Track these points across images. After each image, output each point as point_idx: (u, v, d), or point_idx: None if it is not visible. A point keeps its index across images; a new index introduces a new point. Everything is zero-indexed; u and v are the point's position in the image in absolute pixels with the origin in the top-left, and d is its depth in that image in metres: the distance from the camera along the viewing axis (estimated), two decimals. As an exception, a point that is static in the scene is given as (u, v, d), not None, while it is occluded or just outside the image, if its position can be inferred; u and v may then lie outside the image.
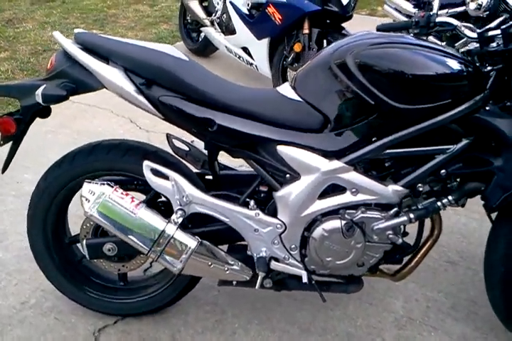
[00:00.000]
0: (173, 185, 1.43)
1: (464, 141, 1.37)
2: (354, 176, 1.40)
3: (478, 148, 1.39)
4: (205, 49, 4.38)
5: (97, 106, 3.39)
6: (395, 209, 1.44)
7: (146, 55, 1.39)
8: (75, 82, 1.39)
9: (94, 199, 1.40)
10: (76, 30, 1.47)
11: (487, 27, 1.41)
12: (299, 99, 1.41)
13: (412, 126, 1.34)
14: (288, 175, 1.43)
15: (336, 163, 1.39)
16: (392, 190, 1.40)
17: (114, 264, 1.61)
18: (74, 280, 1.69)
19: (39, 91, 1.34)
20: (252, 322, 1.76)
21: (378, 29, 1.59)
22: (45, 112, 1.52)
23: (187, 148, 1.72)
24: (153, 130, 3.12)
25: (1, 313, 1.76)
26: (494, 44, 1.38)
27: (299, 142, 1.40)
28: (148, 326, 1.73)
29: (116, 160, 1.49)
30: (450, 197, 1.42)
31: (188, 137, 1.68)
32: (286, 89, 1.46)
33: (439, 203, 1.43)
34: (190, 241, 1.44)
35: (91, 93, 1.44)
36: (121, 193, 1.43)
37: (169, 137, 1.72)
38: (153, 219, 1.43)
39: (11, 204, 2.35)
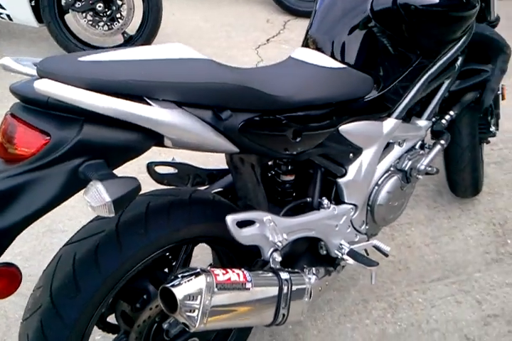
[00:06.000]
0: (265, 228, 1.03)
1: (460, 58, 1.40)
2: (402, 127, 1.30)
3: (471, 60, 1.45)
4: None
5: None
6: (420, 143, 1.43)
7: (193, 72, 0.87)
8: (110, 151, 0.76)
9: (202, 302, 0.88)
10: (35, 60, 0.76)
11: None
12: (340, 65, 1.13)
13: (438, 62, 1.27)
14: (351, 154, 1.21)
15: (392, 121, 1.26)
16: (424, 125, 1.39)
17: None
18: None
19: (104, 199, 0.69)
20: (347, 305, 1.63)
21: None
22: None
23: (173, 170, 1.23)
24: None
25: None
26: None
27: (356, 114, 1.17)
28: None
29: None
30: (452, 112, 1.50)
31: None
32: (312, 56, 1.14)
33: (444, 120, 1.50)
34: (303, 281, 1.12)
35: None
36: (223, 273, 0.95)
37: (150, 167, 1.17)
38: (267, 281, 1.03)
39: None
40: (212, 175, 1.30)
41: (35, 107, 0.75)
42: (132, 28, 2.83)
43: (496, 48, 1.50)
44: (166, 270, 1.17)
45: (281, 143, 1.02)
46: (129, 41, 2.84)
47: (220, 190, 1.28)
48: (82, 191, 0.75)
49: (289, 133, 1.01)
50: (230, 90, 0.88)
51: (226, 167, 1.31)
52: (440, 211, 2.11)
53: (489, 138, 1.93)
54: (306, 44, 1.19)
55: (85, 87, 0.73)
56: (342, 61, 1.14)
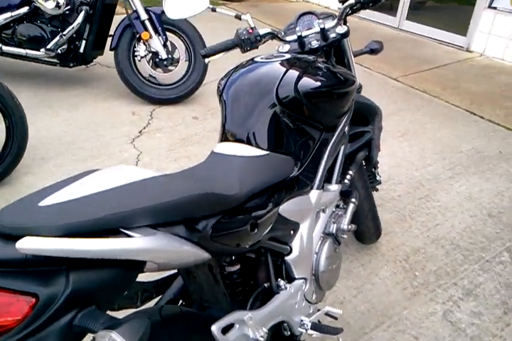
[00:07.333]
0: (245, 327, 1.01)
1: (347, 126, 1.57)
2: (323, 195, 1.40)
3: (354, 125, 1.64)
4: None
5: None
6: (335, 203, 1.54)
7: (158, 192, 0.88)
8: (100, 294, 0.74)
9: None
10: None
11: (308, 33, 1.53)
12: (262, 151, 1.19)
13: (335, 133, 1.42)
14: (292, 231, 1.27)
15: (315, 192, 1.37)
16: (336, 189, 1.50)
17: None
18: None
19: None
20: None
21: (204, 55, 1.41)
22: None
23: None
24: None
25: None
26: (314, 42, 1.54)
27: (289, 193, 1.24)
28: None
29: None
30: (351, 172, 1.65)
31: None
32: (235, 148, 1.20)
33: (346, 180, 1.65)
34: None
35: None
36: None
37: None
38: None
39: None
40: (158, 286, 1.25)
41: (10, 269, 0.66)
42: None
43: (371, 111, 1.74)
44: None
45: (243, 238, 1.05)
46: (-5, 163, 2.60)
47: (171, 298, 1.22)
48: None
49: (247, 227, 1.04)
50: (195, 201, 0.90)
51: (168, 273, 1.27)
52: (353, 261, 2.26)
53: (377, 186, 2.16)
54: (225, 138, 1.24)
55: (64, 234, 0.69)
56: (263, 148, 1.21)
